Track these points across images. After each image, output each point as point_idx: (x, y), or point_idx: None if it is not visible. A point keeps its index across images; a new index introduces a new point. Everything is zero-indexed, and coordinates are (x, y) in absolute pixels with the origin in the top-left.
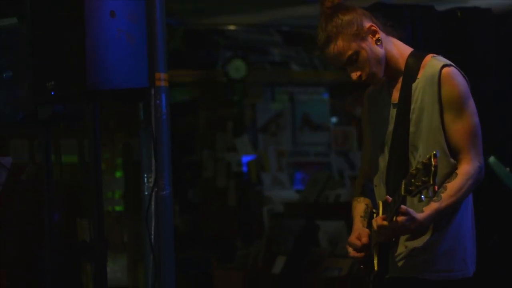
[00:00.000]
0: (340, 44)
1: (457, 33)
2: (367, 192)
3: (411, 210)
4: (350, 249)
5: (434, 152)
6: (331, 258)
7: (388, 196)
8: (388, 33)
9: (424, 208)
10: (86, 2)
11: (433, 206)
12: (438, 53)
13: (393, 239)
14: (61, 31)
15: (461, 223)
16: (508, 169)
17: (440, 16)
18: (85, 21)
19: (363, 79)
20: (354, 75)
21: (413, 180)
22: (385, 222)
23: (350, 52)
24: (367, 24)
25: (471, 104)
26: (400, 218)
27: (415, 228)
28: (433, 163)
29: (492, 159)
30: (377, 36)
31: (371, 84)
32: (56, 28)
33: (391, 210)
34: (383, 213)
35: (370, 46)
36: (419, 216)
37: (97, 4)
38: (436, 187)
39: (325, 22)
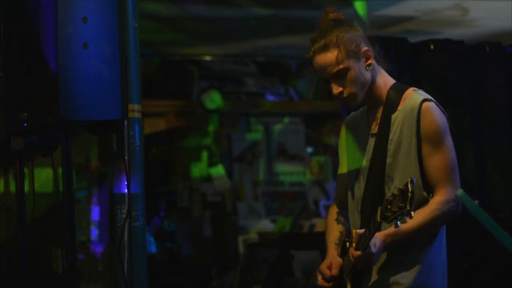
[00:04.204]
0: (335, 55)
1: (430, 64)
2: (342, 219)
3: (371, 242)
4: (319, 277)
5: (411, 178)
6: None
7: (357, 231)
8: (379, 63)
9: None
10: (59, 33)
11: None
12: (411, 84)
13: (372, 265)
14: (34, 62)
15: (434, 258)
16: (477, 201)
17: (413, 48)
18: (58, 52)
19: (343, 96)
20: (336, 90)
21: (389, 206)
22: (358, 253)
23: (341, 66)
24: (364, 47)
25: (449, 139)
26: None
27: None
28: (409, 189)
29: (460, 191)
30: (369, 61)
31: (348, 104)
32: (29, 59)
33: (366, 238)
34: (356, 243)
35: (361, 69)
36: (378, 237)
37: (70, 35)
38: (413, 213)
39: (325, 30)
